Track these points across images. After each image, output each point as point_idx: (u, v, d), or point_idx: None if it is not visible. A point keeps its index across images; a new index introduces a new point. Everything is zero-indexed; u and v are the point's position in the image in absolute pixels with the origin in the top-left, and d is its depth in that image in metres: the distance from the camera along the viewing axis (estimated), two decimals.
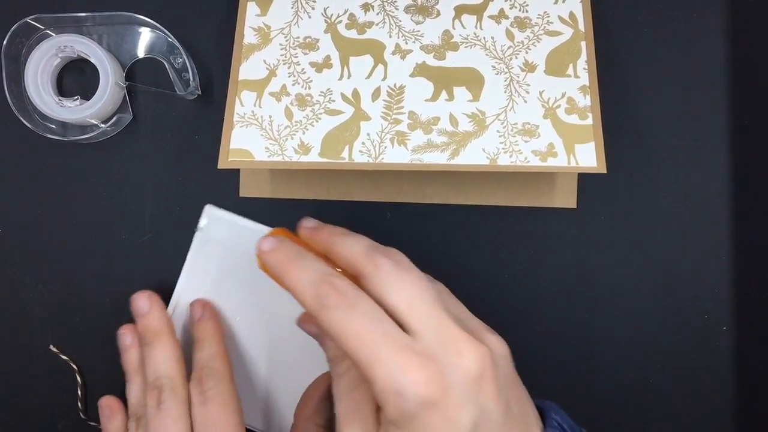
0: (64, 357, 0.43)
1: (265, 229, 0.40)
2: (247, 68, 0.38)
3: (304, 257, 0.30)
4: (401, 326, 0.28)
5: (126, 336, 0.40)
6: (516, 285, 0.43)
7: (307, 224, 0.33)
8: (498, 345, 0.30)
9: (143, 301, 0.39)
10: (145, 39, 0.44)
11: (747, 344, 0.42)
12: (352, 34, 0.39)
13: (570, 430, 0.31)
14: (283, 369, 0.41)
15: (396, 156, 0.36)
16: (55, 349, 0.43)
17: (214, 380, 0.36)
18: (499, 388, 0.28)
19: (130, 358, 0.39)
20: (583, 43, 0.38)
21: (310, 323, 0.35)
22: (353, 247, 0.30)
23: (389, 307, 0.28)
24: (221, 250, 0.40)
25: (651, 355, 0.43)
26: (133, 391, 0.38)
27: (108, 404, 0.39)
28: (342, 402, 0.31)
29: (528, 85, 0.37)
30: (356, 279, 0.29)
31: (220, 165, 0.36)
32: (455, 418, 0.26)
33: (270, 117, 0.37)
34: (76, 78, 0.45)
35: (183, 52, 0.43)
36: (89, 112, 0.42)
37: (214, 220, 0.40)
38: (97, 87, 0.43)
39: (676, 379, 0.42)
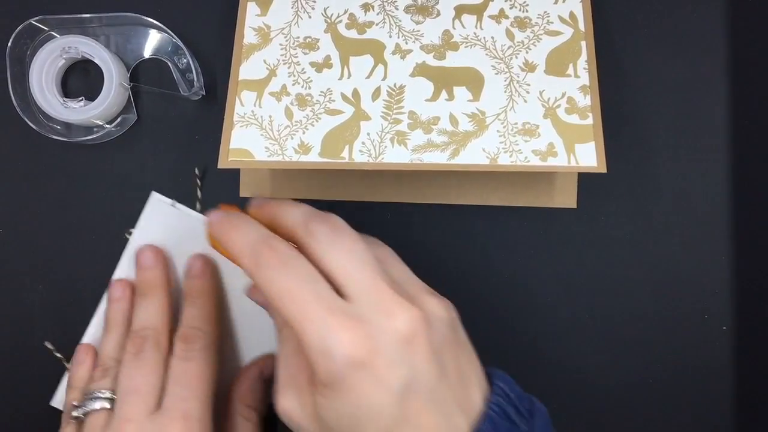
0: (58, 355, 0.43)
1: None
2: (247, 68, 0.38)
3: (248, 222, 0.31)
4: (337, 290, 0.28)
5: (118, 288, 0.40)
6: (516, 285, 0.43)
7: (255, 202, 0.33)
8: (437, 308, 0.29)
9: (149, 255, 0.40)
10: (149, 40, 0.44)
11: (747, 344, 0.42)
12: (352, 34, 0.39)
13: (517, 399, 0.30)
14: (227, 349, 0.40)
15: (396, 156, 0.36)
16: (50, 346, 0.43)
17: (202, 343, 0.36)
18: (434, 350, 0.28)
19: (116, 309, 0.39)
20: (583, 43, 0.38)
21: (257, 292, 0.36)
22: (292, 215, 0.31)
23: (325, 272, 0.28)
24: (162, 236, 0.41)
25: (651, 355, 0.42)
26: (109, 342, 0.38)
27: (84, 349, 0.39)
28: (281, 367, 0.31)
29: (528, 84, 0.37)
30: (299, 248, 0.30)
31: (220, 165, 0.36)
32: (384, 379, 0.26)
33: (270, 117, 0.37)
34: (80, 79, 0.45)
35: (187, 53, 0.43)
36: (94, 113, 0.42)
37: (157, 205, 0.41)
38: (102, 88, 0.43)
39: (676, 379, 0.42)
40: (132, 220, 0.44)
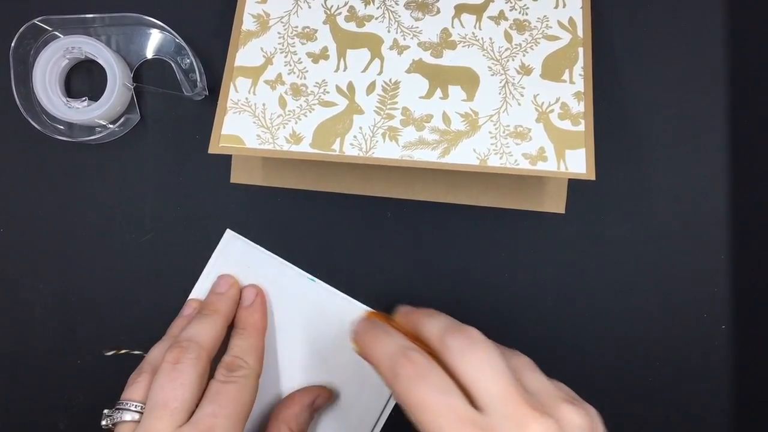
0: (136, 352, 0.42)
1: (272, 256, 0.42)
2: (243, 55, 0.38)
3: (388, 334, 0.31)
4: (472, 401, 0.28)
5: (189, 307, 0.41)
6: (516, 286, 0.43)
7: (402, 309, 0.34)
8: (574, 416, 0.29)
9: (223, 283, 0.40)
10: (152, 40, 0.44)
11: (745, 343, 0.42)
12: (351, 26, 0.39)
13: None
14: (284, 384, 0.41)
15: (387, 151, 0.36)
16: (112, 352, 0.42)
17: (244, 372, 0.36)
18: None
19: (178, 324, 0.39)
20: (580, 50, 0.38)
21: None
22: (430, 326, 0.31)
23: (460, 382, 0.28)
24: (235, 269, 0.42)
25: (651, 354, 0.43)
26: (157, 349, 0.37)
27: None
28: None
29: (523, 88, 0.37)
30: (437, 358, 0.30)
31: (211, 150, 0.36)
32: None
33: (264, 105, 0.37)
34: (84, 79, 0.45)
35: (190, 53, 0.43)
36: (97, 113, 0.42)
37: (232, 241, 0.42)
38: (105, 88, 0.42)
39: (675, 379, 0.42)
40: (131, 219, 0.44)
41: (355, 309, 0.41)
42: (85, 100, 0.43)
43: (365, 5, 0.39)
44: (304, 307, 0.41)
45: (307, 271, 0.41)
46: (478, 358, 0.29)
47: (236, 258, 0.42)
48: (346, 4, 0.39)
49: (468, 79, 0.38)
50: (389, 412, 0.40)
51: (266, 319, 0.40)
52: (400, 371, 0.29)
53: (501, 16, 0.39)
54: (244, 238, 0.42)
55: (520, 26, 0.39)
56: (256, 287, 0.41)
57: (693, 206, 0.43)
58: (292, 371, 0.41)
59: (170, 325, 0.40)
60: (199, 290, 0.41)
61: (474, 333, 0.30)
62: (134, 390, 0.35)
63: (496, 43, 0.38)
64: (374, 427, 0.40)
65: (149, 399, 0.34)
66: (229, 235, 0.42)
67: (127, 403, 0.34)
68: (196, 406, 0.34)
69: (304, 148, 0.36)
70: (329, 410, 0.40)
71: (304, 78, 0.38)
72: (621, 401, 0.43)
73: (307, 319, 0.41)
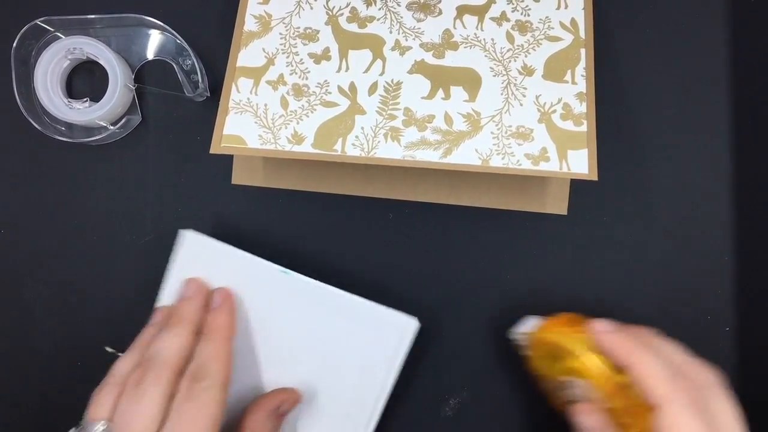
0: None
1: (239, 252, 0.40)
2: (245, 55, 0.38)
3: (652, 348, 0.34)
4: None
5: (159, 314, 0.39)
6: (518, 287, 0.43)
7: (604, 327, 0.36)
8: None
9: (189, 287, 0.39)
10: (153, 41, 0.44)
11: (750, 345, 0.42)
12: (353, 27, 0.39)
13: None
14: (265, 380, 0.40)
15: (389, 151, 0.36)
16: (110, 350, 0.42)
17: (208, 382, 0.35)
18: None
19: (147, 333, 0.38)
20: (582, 50, 0.38)
21: (592, 416, 0.36)
22: (678, 356, 0.35)
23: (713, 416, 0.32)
24: (200, 270, 0.40)
25: None
26: (124, 361, 0.36)
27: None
28: None
29: (525, 88, 0.37)
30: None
31: (213, 150, 0.36)
32: None
33: (265, 105, 0.37)
34: (85, 80, 0.45)
35: (192, 54, 0.43)
36: (98, 114, 0.42)
37: (193, 241, 0.40)
38: (107, 89, 0.42)
39: None
40: (132, 219, 0.44)
41: (330, 295, 0.39)
42: (87, 100, 0.43)
43: (367, 6, 0.39)
44: (277, 299, 0.39)
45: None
46: (730, 407, 0.33)
47: (197, 256, 0.40)
48: (348, 5, 0.39)
49: (470, 80, 0.38)
50: (384, 402, 0.39)
51: (234, 322, 0.39)
52: (681, 397, 0.31)
53: (503, 17, 0.39)
54: (204, 234, 0.40)
55: (522, 27, 0.39)
56: (224, 290, 0.39)
57: (696, 207, 0.43)
58: (269, 367, 0.40)
59: (140, 335, 0.38)
60: (166, 296, 0.40)
61: (709, 374, 0.34)
62: (98, 408, 0.34)
63: (498, 44, 0.38)
64: (370, 420, 0.39)
65: (114, 421, 0.33)
66: (187, 233, 0.40)
67: (92, 424, 0.33)
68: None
69: (306, 148, 0.36)
70: (312, 403, 0.39)
71: (306, 78, 0.38)
72: None
73: (281, 311, 0.39)
